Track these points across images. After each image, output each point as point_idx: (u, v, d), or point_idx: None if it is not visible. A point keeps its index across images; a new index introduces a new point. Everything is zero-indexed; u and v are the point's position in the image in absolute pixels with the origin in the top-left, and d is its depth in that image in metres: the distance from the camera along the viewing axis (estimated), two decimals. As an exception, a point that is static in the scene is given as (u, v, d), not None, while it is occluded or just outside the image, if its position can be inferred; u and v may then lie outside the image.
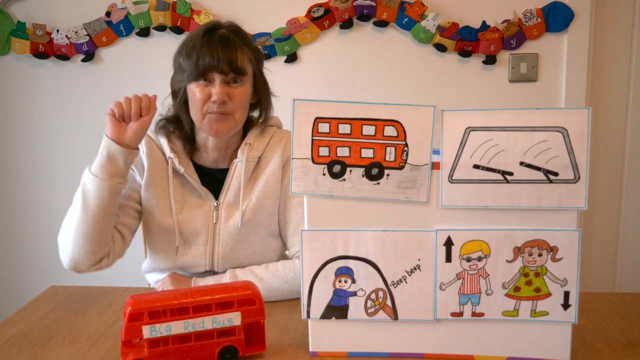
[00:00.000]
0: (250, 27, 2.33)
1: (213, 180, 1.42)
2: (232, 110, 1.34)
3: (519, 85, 2.33)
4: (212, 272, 1.41)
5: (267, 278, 1.34)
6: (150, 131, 1.42)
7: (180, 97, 1.38)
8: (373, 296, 1.07)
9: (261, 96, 1.43)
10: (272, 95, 1.46)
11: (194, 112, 1.35)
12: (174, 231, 1.38)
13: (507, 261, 1.03)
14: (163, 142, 1.40)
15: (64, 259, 1.32)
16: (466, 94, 2.34)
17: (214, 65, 1.29)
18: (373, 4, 2.26)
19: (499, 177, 1.00)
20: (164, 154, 1.40)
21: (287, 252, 1.48)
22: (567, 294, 1.03)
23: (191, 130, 1.42)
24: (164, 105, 1.42)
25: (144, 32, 2.37)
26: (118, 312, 1.31)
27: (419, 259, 1.05)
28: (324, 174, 1.04)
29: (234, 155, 1.42)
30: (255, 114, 1.47)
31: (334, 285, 1.07)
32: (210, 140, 1.40)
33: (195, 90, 1.32)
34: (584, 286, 2.15)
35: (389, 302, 1.07)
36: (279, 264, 1.38)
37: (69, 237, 1.30)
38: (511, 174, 1.00)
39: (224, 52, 1.30)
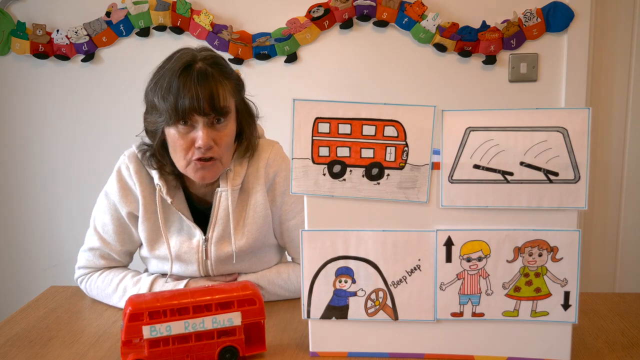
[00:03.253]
0: (250, 27, 2.33)
1: (200, 211, 1.36)
2: (219, 155, 1.24)
3: (519, 85, 2.33)
4: None
5: (278, 285, 1.35)
6: (141, 155, 1.33)
7: (158, 139, 1.26)
8: (373, 296, 1.07)
9: (244, 127, 1.31)
10: (257, 118, 1.36)
11: (176, 159, 1.25)
12: (164, 259, 1.34)
13: (507, 261, 1.03)
14: (153, 170, 1.32)
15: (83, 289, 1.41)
16: (466, 94, 2.34)
17: (194, 106, 1.17)
18: (373, 4, 2.26)
19: (499, 177, 1.00)
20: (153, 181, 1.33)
21: (286, 255, 1.48)
22: (567, 294, 1.03)
23: (176, 167, 1.30)
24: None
25: (144, 32, 2.36)
26: (118, 312, 1.31)
27: (419, 259, 1.05)
28: (324, 174, 1.04)
29: (217, 183, 1.33)
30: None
31: (334, 285, 1.07)
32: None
33: (176, 137, 1.22)
34: (584, 286, 2.15)
35: (389, 302, 1.07)
36: (290, 271, 1.36)
37: (98, 298, 1.38)
38: (511, 174, 1.00)
39: (204, 91, 1.18)
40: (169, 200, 1.30)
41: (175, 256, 1.33)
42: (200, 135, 1.20)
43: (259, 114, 1.36)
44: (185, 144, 1.21)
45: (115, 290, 1.33)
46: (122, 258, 1.39)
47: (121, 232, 1.36)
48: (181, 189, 1.35)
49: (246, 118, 1.32)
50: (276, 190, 1.34)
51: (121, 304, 1.32)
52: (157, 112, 1.23)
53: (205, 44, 2.30)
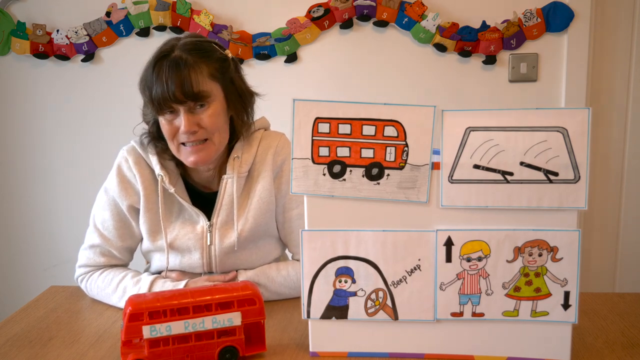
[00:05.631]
0: (250, 27, 2.33)
1: (204, 198, 1.37)
2: (208, 136, 1.26)
3: (519, 85, 2.33)
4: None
5: (278, 283, 1.34)
6: (141, 147, 1.36)
7: (155, 129, 1.31)
8: (373, 296, 1.07)
9: (238, 107, 1.32)
10: (257, 96, 1.37)
11: (169, 145, 1.29)
12: (164, 252, 1.34)
13: (507, 261, 1.03)
14: (153, 159, 1.33)
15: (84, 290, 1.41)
16: (466, 94, 2.34)
17: (166, 96, 1.20)
18: (373, 4, 2.26)
19: (499, 177, 1.00)
20: (154, 172, 1.34)
21: (287, 252, 1.48)
22: (567, 294, 1.03)
23: None
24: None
25: (144, 32, 2.37)
26: (118, 312, 1.31)
27: (419, 259, 1.05)
28: (324, 174, 1.04)
29: (223, 170, 1.36)
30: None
31: (334, 285, 1.07)
32: None
33: (163, 124, 1.26)
34: (584, 286, 2.14)
35: (389, 302, 1.07)
36: (290, 268, 1.36)
37: (97, 298, 1.38)
38: (511, 174, 1.00)
39: (175, 80, 1.20)
40: (171, 189, 1.32)
41: (178, 245, 1.34)
42: (182, 121, 1.24)
43: (254, 93, 1.37)
44: (172, 130, 1.26)
45: (115, 290, 1.33)
46: (123, 255, 1.40)
47: (121, 228, 1.36)
48: (182, 179, 1.36)
49: (238, 99, 1.31)
50: (283, 178, 1.36)
51: (121, 304, 1.32)
52: (145, 104, 1.29)
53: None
